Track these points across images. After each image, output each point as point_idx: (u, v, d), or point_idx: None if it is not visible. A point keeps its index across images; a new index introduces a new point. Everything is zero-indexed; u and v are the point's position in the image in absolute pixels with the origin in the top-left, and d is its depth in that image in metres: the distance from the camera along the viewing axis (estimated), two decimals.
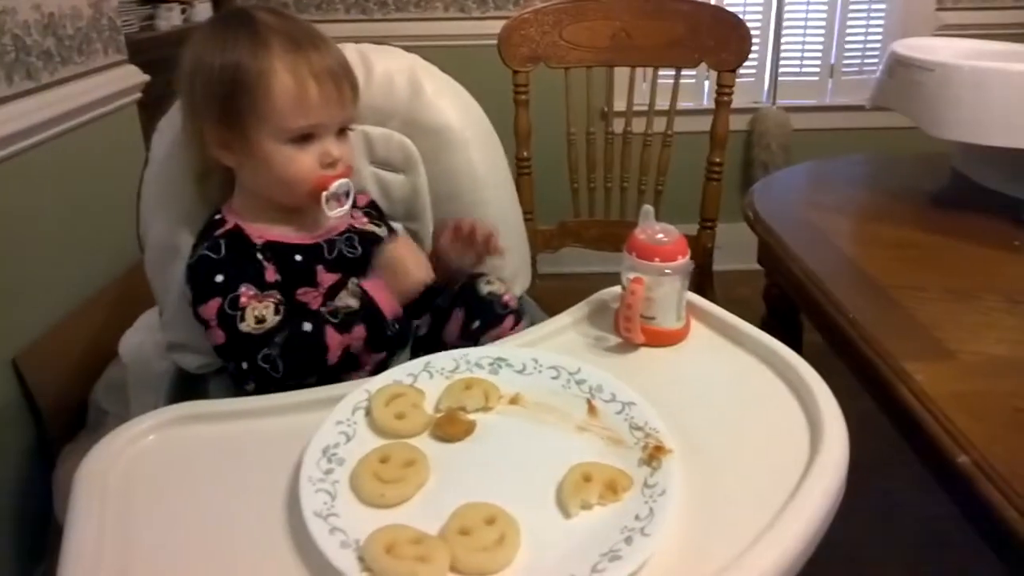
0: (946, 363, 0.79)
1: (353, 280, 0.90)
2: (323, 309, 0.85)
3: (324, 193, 0.84)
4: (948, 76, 1.12)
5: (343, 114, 0.85)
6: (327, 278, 0.89)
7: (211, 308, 0.82)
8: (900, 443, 0.80)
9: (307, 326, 0.82)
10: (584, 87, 1.52)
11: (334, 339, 0.82)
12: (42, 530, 1.32)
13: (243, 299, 0.82)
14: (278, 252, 0.88)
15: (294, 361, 0.81)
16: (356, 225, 0.94)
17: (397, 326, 0.87)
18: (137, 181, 0.98)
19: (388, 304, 0.86)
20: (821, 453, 0.64)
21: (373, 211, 1.00)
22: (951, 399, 0.72)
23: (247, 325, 0.81)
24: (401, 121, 1.03)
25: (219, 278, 0.82)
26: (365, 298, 0.85)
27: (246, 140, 0.83)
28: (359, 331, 0.83)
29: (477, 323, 0.89)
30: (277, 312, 0.83)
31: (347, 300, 0.85)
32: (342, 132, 0.87)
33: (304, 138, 0.83)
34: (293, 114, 0.81)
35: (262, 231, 0.88)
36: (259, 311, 0.81)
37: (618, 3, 1.52)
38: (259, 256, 0.86)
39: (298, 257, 0.88)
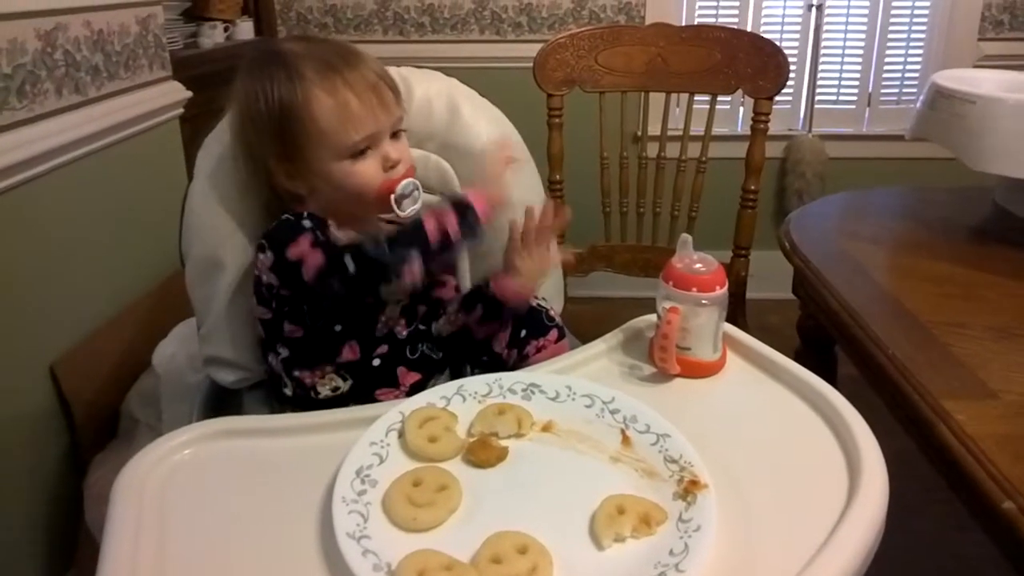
0: (988, 403, 0.77)
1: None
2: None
3: (392, 195, 0.86)
4: (990, 109, 1.11)
5: (390, 118, 0.88)
6: None
7: (303, 241, 0.82)
8: (934, 482, 0.78)
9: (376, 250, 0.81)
10: (618, 111, 1.52)
11: (429, 222, 0.80)
12: (71, 536, 1.34)
13: (331, 229, 0.84)
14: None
15: (401, 243, 0.80)
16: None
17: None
18: (177, 194, 0.99)
19: (522, 297, 0.89)
20: (860, 492, 0.63)
21: None
22: (994, 441, 0.71)
23: (342, 239, 0.83)
24: (438, 143, 1.04)
25: (306, 223, 0.84)
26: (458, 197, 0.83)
27: (309, 167, 0.86)
28: (450, 216, 0.80)
29: (524, 332, 0.92)
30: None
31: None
32: (395, 134, 0.89)
33: (362, 150, 0.86)
34: (343, 131, 0.84)
35: (334, 233, 0.89)
36: (346, 236, 0.84)
37: (655, 29, 1.53)
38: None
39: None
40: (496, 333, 0.93)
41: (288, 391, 0.91)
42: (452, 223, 0.80)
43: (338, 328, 0.88)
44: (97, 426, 1.39)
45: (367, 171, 0.86)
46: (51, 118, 1.29)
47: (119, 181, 1.48)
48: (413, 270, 0.79)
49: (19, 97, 1.21)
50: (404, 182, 0.87)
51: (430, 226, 0.80)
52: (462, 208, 0.81)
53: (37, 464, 1.29)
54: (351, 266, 0.80)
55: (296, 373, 0.90)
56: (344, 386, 0.89)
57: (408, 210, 0.88)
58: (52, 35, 1.28)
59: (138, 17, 1.54)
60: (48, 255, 1.29)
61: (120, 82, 1.48)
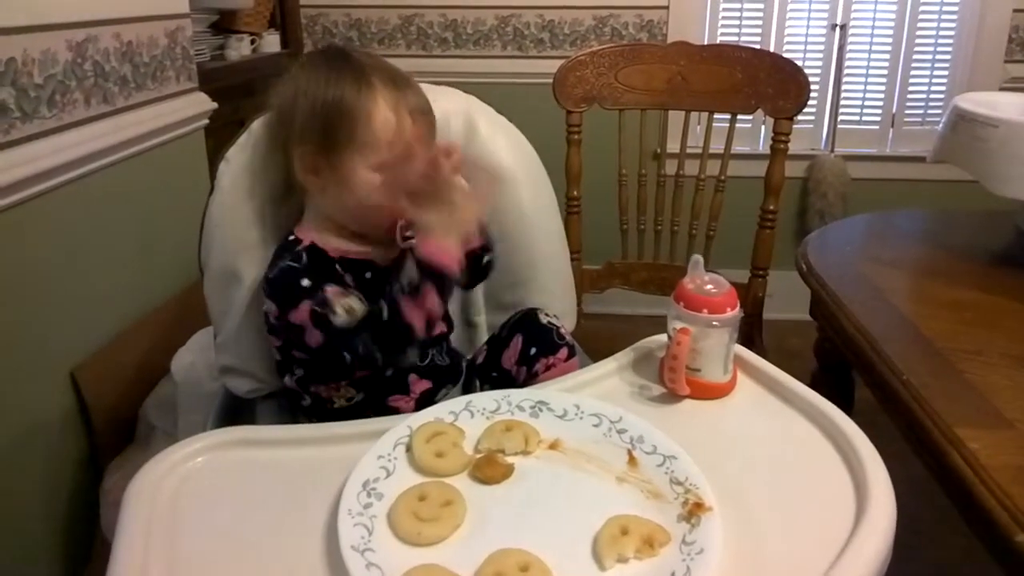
0: (1004, 433, 0.76)
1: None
2: (392, 287, 0.84)
3: (400, 222, 0.88)
4: (1013, 133, 1.10)
5: (427, 150, 0.88)
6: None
7: (302, 311, 0.83)
8: (952, 511, 0.77)
9: (384, 313, 0.82)
10: (637, 127, 1.53)
11: (411, 312, 0.81)
12: (87, 540, 1.36)
13: (330, 295, 0.84)
14: (353, 266, 0.91)
15: (387, 347, 0.83)
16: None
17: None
18: (199, 204, 1.01)
19: (445, 255, 0.82)
20: (866, 519, 0.62)
21: None
22: (1009, 472, 0.70)
23: (340, 317, 0.83)
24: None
25: (305, 282, 0.85)
26: (422, 262, 0.82)
27: (337, 167, 0.87)
28: (429, 295, 0.81)
29: (534, 349, 0.93)
30: (362, 302, 0.85)
31: (410, 273, 0.83)
32: None
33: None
34: (388, 146, 0.86)
35: (336, 247, 0.91)
36: (346, 303, 0.84)
37: (676, 47, 1.53)
38: (337, 267, 0.90)
39: (368, 274, 0.91)
40: (510, 336, 0.94)
41: (306, 403, 0.94)
42: (434, 304, 0.81)
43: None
44: (115, 431, 1.41)
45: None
46: (79, 127, 1.31)
47: (144, 190, 1.51)
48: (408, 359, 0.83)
49: (49, 106, 1.24)
50: None
51: (418, 323, 0.81)
52: (439, 281, 0.81)
53: (56, 467, 1.31)
54: (347, 358, 0.83)
55: (312, 388, 0.92)
56: (358, 396, 0.91)
57: (408, 242, 0.88)
58: (83, 46, 1.32)
59: (167, 29, 1.57)
60: (72, 261, 1.32)
61: (147, 93, 1.51)
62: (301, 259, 0.88)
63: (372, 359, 0.83)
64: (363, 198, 0.87)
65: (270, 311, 0.88)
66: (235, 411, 1.02)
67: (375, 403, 0.91)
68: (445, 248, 0.81)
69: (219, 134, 1.72)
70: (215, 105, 1.72)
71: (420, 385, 0.93)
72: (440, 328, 0.97)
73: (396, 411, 0.91)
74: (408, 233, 0.88)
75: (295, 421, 0.96)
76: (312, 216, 0.93)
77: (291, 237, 0.91)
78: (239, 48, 2.06)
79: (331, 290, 0.84)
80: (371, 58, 0.90)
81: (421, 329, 0.82)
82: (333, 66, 0.88)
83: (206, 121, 1.71)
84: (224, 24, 2.07)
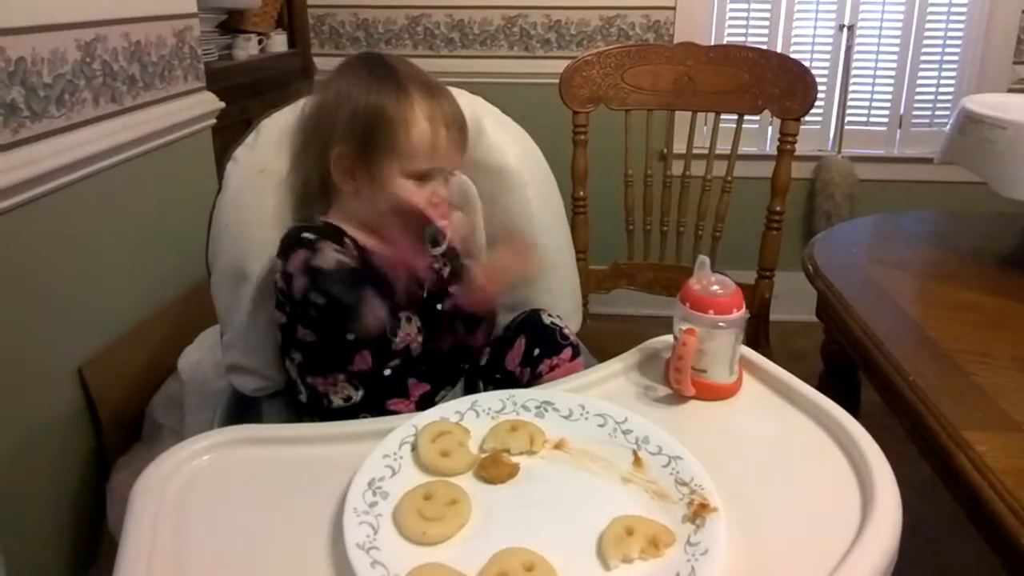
0: (1011, 435, 0.76)
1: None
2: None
3: (427, 228, 0.92)
4: (1021, 135, 1.09)
5: (458, 160, 0.94)
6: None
7: (296, 259, 0.85)
8: (960, 513, 0.77)
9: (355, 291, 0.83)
10: (643, 128, 1.52)
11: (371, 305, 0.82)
12: (93, 538, 1.36)
13: (323, 247, 0.86)
14: (361, 250, 0.92)
15: (356, 285, 0.83)
16: (435, 266, 0.98)
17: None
18: (207, 203, 1.02)
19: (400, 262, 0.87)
20: (872, 521, 0.62)
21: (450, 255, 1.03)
22: (1016, 474, 0.70)
23: (320, 261, 0.84)
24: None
25: (307, 236, 0.88)
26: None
27: (372, 170, 0.90)
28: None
29: (538, 350, 0.93)
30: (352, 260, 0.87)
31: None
32: (447, 177, 0.94)
33: (422, 176, 0.90)
34: (424, 155, 0.89)
35: (354, 235, 0.93)
36: (336, 256, 0.85)
37: (683, 48, 1.53)
38: (346, 240, 0.91)
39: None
40: (484, 340, 0.96)
41: (303, 398, 0.94)
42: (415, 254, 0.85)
43: (351, 337, 0.89)
44: (122, 429, 1.42)
45: (417, 195, 0.90)
46: (88, 126, 1.32)
47: (152, 188, 1.51)
48: (375, 313, 0.81)
49: (58, 106, 1.25)
50: (443, 226, 0.93)
51: (371, 309, 0.82)
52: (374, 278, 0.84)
53: (63, 464, 1.32)
54: (320, 300, 0.84)
55: (309, 380, 0.92)
56: (356, 396, 0.91)
57: (434, 251, 0.93)
58: (91, 46, 1.32)
59: (175, 29, 1.58)
60: (80, 259, 1.32)
61: (155, 92, 1.52)
62: (314, 222, 0.92)
63: (340, 298, 0.83)
64: (395, 200, 0.90)
65: (277, 269, 0.90)
66: (241, 409, 1.02)
67: (373, 406, 0.91)
68: (486, 296, 0.90)
69: (226, 133, 1.73)
70: (223, 104, 1.73)
71: (419, 388, 0.93)
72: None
73: (395, 414, 0.90)
74: (436, 239, 0.92)
75: (301, 420, 0.96)
76: (340, 214, 0.95)
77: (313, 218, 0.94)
78: (247, 48, 2.06)
79: (327, 244, 0.87)
80: (408, 66, 0.93)
81: (380, 316, 0.82)
82: (374, 73, 0.91)
83: (214, 120, 1.72)
84: (232, 24, 2.08)
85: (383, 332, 0.87)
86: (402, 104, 0.88)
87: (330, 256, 0.85)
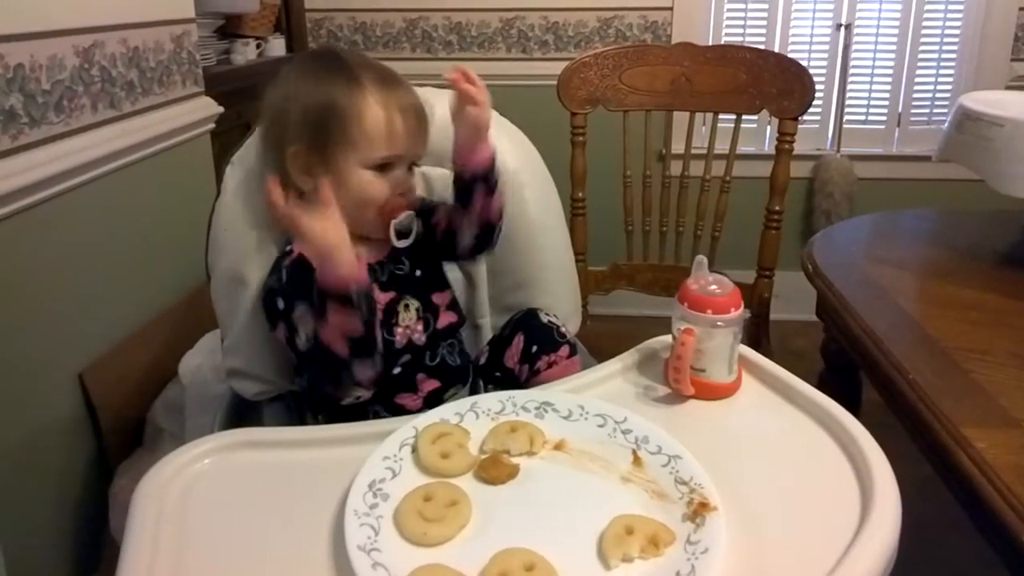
0: (1011, 432, 0.76)
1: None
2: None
3: (393, 222, 0.90)
4: (1019, 132, 1.09)
5: (418, 148, 0.92)
6: (382, 297, 0.92)
7: (279, 333, 0.87)
8: (960, 511, 0.77)
9: (306, 344, 0.82)
10: (642, 128, 1.53)
11: (327, 334, 0.79)
12: (96, 543, 1.36)
13: (296, 319, 0.84)
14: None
15: (328, 373, 0.83)
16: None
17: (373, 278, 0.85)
18: (206, 208, 1.02)
19: (331, 274, 0.79)
20: (872, 519, 0.62)
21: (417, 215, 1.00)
22: (1015, 471, 0.70)
23: (301, 343, 0.84)
24: None
25: (280, 304, 0.87)
26: (318, 284, 0.80)
27: (329, 165, 0.88)
28: (335, 314, 0.79)
29: (535, 347, 0.93)
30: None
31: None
32: (410, 167, 0.92)
33: (382, 167, 0.89)
34: (380, 143, 0.87)
35: None
36: (310, 327, 0.83)
37: (680, 49, 1.53)
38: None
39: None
40: (497, 197, 0.93)
41: (316, 395, 0.94)
42: (346, 319, 0.79)
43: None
44: (123, 434, 1.42)
45: (379, 186, 0.89)
46: (86, 132, 1.32)
47: (151, 194, 1.52)
48: (364, 375, 0.82)
49: (57, 112, 1.25)
50: (406, 214, 0.91)
51: (339, 344, 0.79)
52: (333, 296, 0.79)
53: (65, 469, 1.32)
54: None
55: (319, 387, 0.92)
56: (367, 394, 0.91)
57: (400, 243, 0.92)
58: (90, 52, 1.33)
59: (173, 35, 1.58)
60: (80, 265, 1.32)
61: (154, 97, 1.52)
62: (282, 278, 0.88)
63: (323, 388, 0.87)
64: (356, 193, 0.88)
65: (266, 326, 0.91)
66: (242, 413, 1.02)
67: (383, 401, 0.92)
68: (325, 269, 0.78)
69: (225, 138, 1.73)
70: (221, 109, 1.73)
71: (428, 384, 0.94)
72: (449, 318, 0.97)
73: (403, 409, 0.92)
74: (400, 229, 0.91)
75: (302, 423, 0.97)
76: None
77: (287, 248, 0.92)
78: (245, 52, 2.07)
79: (299, 311, 0.83)
80: (360, 58, 0.91)
81: (342, 349, 0.79)
82: (323, 66, 0.90)
83: (212, 125, 1.72)
84: (230, 28, 2.09)
85: (379, 376, 0.85)
86: (353, 93, 0.87)
87: (305, 330, 0.82)
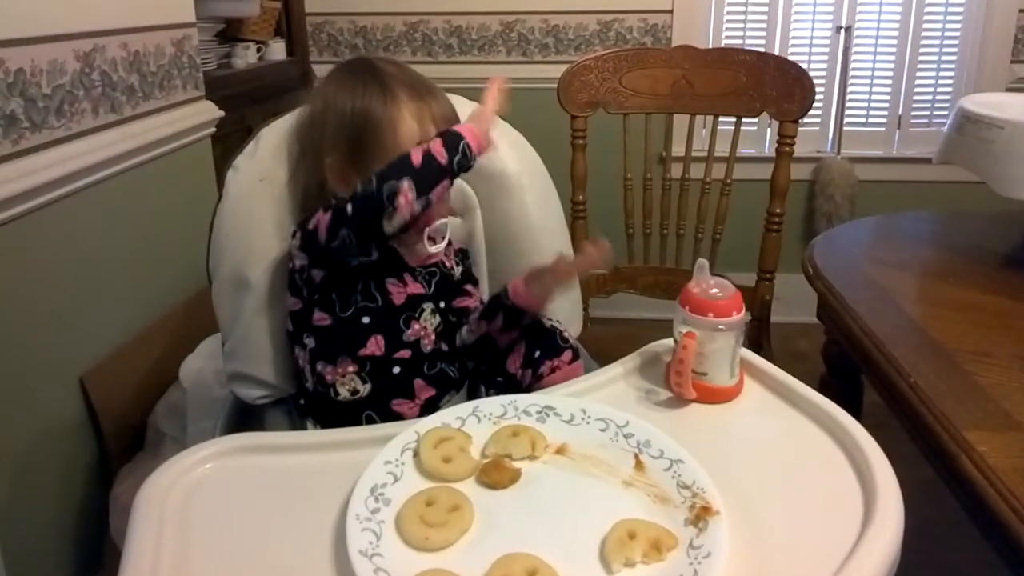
0: (1013, 435, 0.76)
1: None
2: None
3: (427, 229, 0.91)
4: (1019, 134, 1.09)
5: None
6: (414, 287, 0.94)
7: (318, 214, 0.87)
8: (962, 514, 0.77)
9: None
10: (642, 131, 1.53)
11: (416, 152, 0.84)
12: (96, 546, 1.36)
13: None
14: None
15: (389, 176, 0.83)
16: (445, 263, 0.98)
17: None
18: (207, 211, 1.02)
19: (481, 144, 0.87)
20: (874, 522, 0.62)
21: (461, 256, 1.04)
22: (1018, 474, 0.70)
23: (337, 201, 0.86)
24: None
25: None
26: (464, 131, 0.86)
27: (366, 175, 0.88)
28: (436, 144, 0.84)
29: (538, 352, 0.93)
30: None
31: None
32: None
33: None
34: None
35: None
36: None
37: (680, 51, 1.53)
38: None
39: None
40: (515, 342, 0.95)
41: (309, 385, 0.94)
42: (438, 148, 0.83)
43: (366, 320, 0.90)
44: (124, 438, 1.42)
45: None
46: (87, 136, 1.32)
47: (152, 198, 1.52)
48: (406, 196, 0.82)
49: (57, 116, 1.25)
50: (440, 222, 0.93)
51: (416, 155, 0.83)
52: (451, 137, 0.84)
53: (66, 473, 1.32)
54: (349, 209, 0.84)
55: (319, 368, 0.92)
56: (363, 390, 0.91)
57: (433, 248, 0.93)
58: (90, 56, 1.33)
59: (173, 39, 1.58)
60: (81, 269, 1.32)
61: (155, 102, 1.52)
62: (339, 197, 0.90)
63: (367, 215, 0.83)
64: None
65: (294, 246, 0.90)
66: (243, 417, 1.02)
67: (378, 405, 0.92)
68: (543, 300, 0.91)
69: (226, 142, 1.74)
70: (222, 113, 1.73)
71: (425, 392, 0.93)
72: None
73: (399, 415, 0.91)
74: (433, 236, 0.92)
75: (303, 424, 0.96)
76: None
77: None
78: (245, 56, 2.07)
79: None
80: (396, 67, 0.93)
81: (411, 199, 0.82)
82: (360, 78, 0.91)
83: (213, 129, 1.72)
84: (230, 32, 2.09)
85: (420, 213, 0.85)
86: (388, 106, 0.89)
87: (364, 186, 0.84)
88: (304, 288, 0.91)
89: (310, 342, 0.93)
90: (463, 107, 1.06)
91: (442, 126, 0.90)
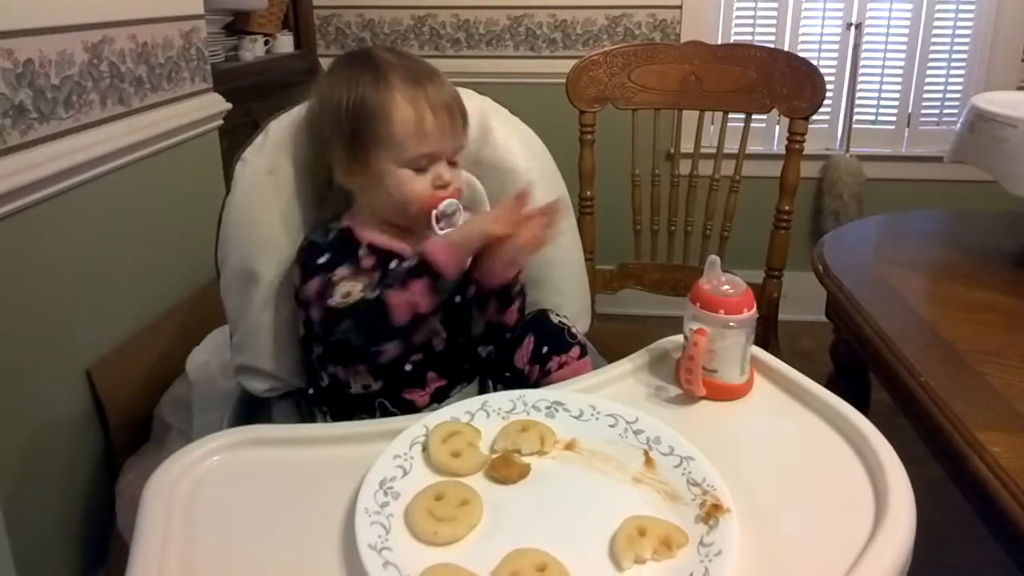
0: None
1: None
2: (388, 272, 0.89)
3: (434, 211, 0.90)
4: None
5: (455, 143, 0.92)
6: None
7: (313, 286, 0.87)
8: (971, 515, 0.76)
9: (371, 294, 0.85)
10: (651, 127, 1.52)
11: (395, 298, 0.83)
12: (103, 539, 1.36)
13: (336, 277, 0.87)
14: (378, 253, 0.92)
15: (365, 328, 0.85)
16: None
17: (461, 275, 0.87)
18: (215, 204, 1.01)
19: (447, 256, 0.84)
20: (886, 523, 0.62)
21: None
22: None
23: (334, 300, 0.85)
24: (470, 160, 1.05)
25: (322, 260, 0.89)
26: (422, 255, 0.85)
27: (368, 166, 0.90)
28: (417, 286, 0.83)
29: (546, 348, 0.93)
30: (364, 290, 0.87)
31: (407, 262, 0.87)
32: (454, 163, 0.93)
33: (419, 164, 0.89)
34: (412, 141, 0.88)
35: (371, 237, 0.93)
36: (347, 287, 0.86)
37: (690, 47, 1.52)
38: (360, 252, 0.92)
39: (394, 263, 0.91)
40: (519, 315, 0.95)
41: (323, 383, 0.95)
42: (421, 298, 0.83)
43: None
44: (131, 430, 1.42)
45: (418, 185, 0.90)
46: (95, 128, 1.32)
47: (159, 190, 1.51)
48: (390, 352, 0.86)
49: (66, 107, 1.25)
50: (447, 201, 0.90)
51: (399, 310, 0.83)
52: (431, 275, 0.83)
53: (72, 465, 1.32)
54: (331, 337, 0.86)
55: (331, 368, 0.93)
56: (375, 385, 0.92)
57: (444, 230, 0.91)
58: (99, 47, 1.32)
59: (182, 31, 1.58)
60: (88, 261, 1.32)
61: (163, 94, 1.52)
62: (327, 235, 0.92)
63: (351, 343, 0.86)
64: (396, 192, 0.89)
65: (295, 280, 0.91)
66: (251, 410, 1.02)
67: (390, 395, 0.92)
68: (446, 247, 0.84)
69: (233, 134, 1.73)
70: (229, 106, 1.73)
71: (436, 382, 0.94)
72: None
73: (410, 403, 0.92)
74: (442, 224, 0.90)
75: (312, 420, 0.96)
76: (358, 214, 0.95)
77: (334, 216, 0.95)
78: (253, 49, 2.07)
79: (340, 272, 0.87)
80: (394, 55, 0.92)
81: (401, 318, 0.83)
82: (354, 68, 0.91)
83: (220, 122, 1.72)
84: (238, 25, 2.08)
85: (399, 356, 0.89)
86: (381, 93, 0.88)
87: (343, 289, 0.85)
88: (301, 302, 0.91)
89: (319, 349, 0.94)
90: (471, 100, 1.06)
91: (442, 113, 0.88)
